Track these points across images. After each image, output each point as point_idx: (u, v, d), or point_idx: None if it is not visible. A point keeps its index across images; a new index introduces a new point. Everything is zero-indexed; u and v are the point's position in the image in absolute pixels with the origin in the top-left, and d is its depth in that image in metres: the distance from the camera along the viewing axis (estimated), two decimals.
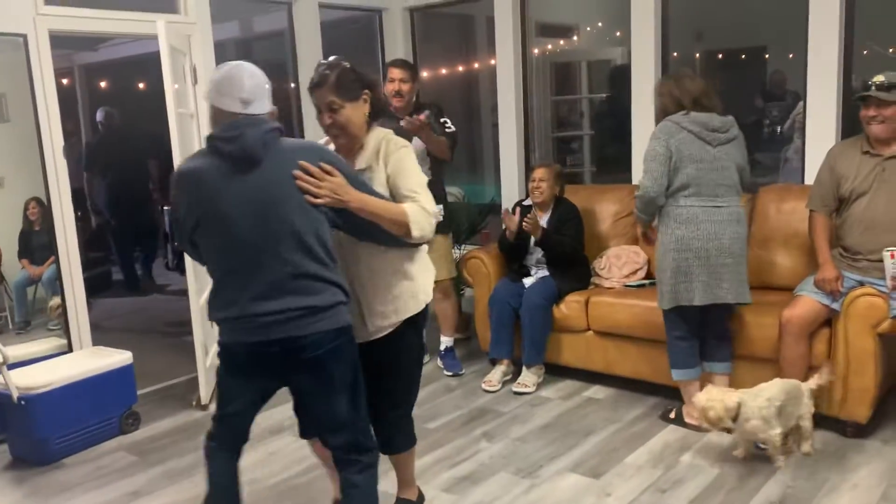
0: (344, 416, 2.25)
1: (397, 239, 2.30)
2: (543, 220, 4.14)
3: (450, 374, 4.31)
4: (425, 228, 2.29)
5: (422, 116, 3.89)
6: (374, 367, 2.40)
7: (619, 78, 5.36)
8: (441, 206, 4.02)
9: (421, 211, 2.28)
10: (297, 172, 2.08)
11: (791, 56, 5.55)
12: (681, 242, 3.21)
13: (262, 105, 2.14)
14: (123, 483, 3.19)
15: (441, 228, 3.97)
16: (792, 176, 4.82)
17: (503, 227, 4.19)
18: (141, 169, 7.71)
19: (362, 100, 2.35)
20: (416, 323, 2.49)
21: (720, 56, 6.76)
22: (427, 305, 2.52)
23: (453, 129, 4.11)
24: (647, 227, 3.53)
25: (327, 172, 2.12)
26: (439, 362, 4.41)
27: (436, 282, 3.91)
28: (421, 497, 2.79)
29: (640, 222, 3.60)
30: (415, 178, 2.34)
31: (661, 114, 3.31)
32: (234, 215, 2.07)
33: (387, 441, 2.55)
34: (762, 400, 2.94)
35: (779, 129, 5.82)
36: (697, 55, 6.64)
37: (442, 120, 4.11)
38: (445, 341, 4.38)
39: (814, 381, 3.08)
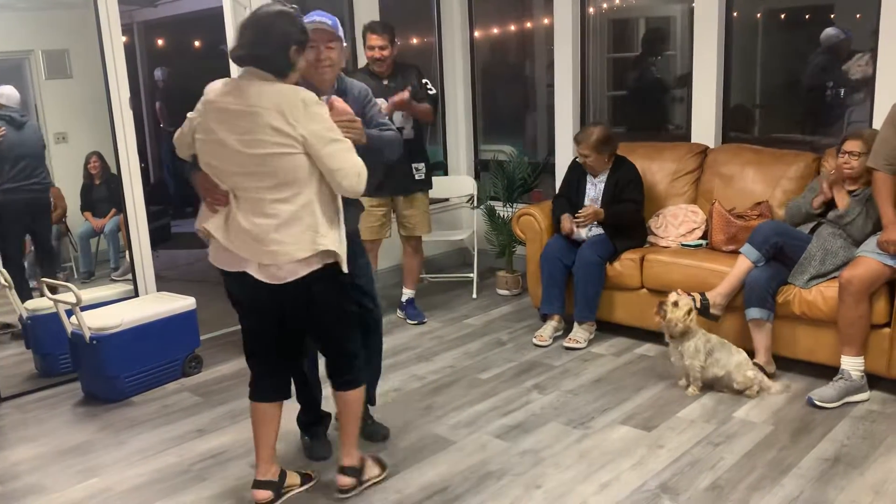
0: None
1: None
2: (600, 180, 4.11)
3: (414, 322, 4.52)
4: None
5: (405, 95, 4.03)
6: None
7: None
8: (423, 164, 4.35)
9: None
10: None
11: (858, 17, 5.35)
12: None
13: None
14: (189, 421, 3.33)
15: (420, 186, 4.38)
16: None
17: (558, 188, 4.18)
18: None
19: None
20: None
21: (783, 16, 6.53)
22: None
23: (434, 91, 4.30)
24: None
25: None
26: (400, 313, 4.63)
27: (408, 237, 4.52)
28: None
29: None
30: None
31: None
32: None
33: None
34: (703, 333, 3.38)
35: (842, 92, 5.66)
36: (759, 14, 6.45)
37: (423, 81, 4.26)
38: (407, 293, 4.63)
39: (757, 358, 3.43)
